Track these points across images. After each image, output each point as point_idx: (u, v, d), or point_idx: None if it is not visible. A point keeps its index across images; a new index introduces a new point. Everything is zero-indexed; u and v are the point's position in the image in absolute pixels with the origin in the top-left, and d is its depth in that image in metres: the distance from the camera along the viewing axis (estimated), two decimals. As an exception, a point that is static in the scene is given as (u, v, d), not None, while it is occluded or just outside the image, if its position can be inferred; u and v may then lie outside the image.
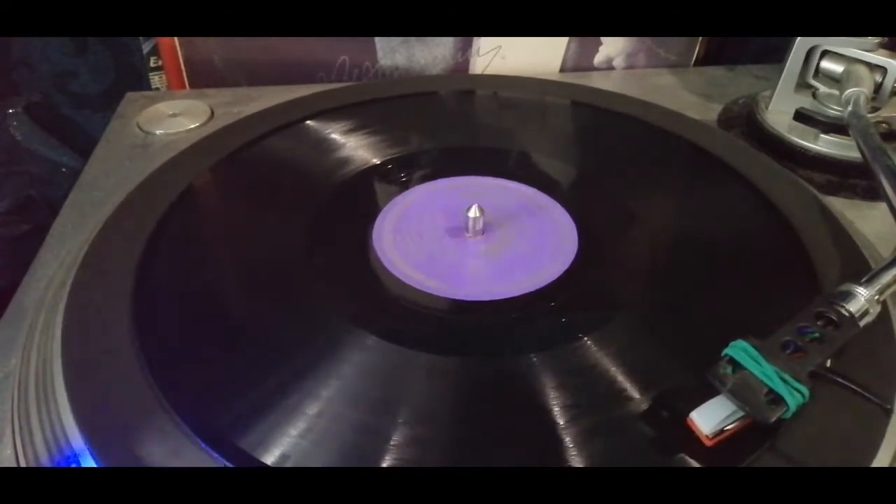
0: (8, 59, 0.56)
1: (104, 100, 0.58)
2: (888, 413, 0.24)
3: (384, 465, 0.25)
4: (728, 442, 0.25)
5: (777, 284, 0.33)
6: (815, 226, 0.35)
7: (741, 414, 0.24)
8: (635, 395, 0.27)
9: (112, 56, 0.57)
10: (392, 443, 0.25)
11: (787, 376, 0.24)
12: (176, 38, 0.52)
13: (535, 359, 0.29)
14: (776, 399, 0.24)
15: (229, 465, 0.24)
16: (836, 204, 0.39)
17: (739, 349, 0.25)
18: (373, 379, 0.28)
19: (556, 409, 0.27)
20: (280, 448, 0.25)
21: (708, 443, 0.24)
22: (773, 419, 0.24)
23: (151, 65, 0.55)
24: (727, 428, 0.24)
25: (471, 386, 0.28)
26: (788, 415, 0.24)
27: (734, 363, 0.25)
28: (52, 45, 0.56)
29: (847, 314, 0.26)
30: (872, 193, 0.40)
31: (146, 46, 0.55)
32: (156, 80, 0.56)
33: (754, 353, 0.25)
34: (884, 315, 0.30)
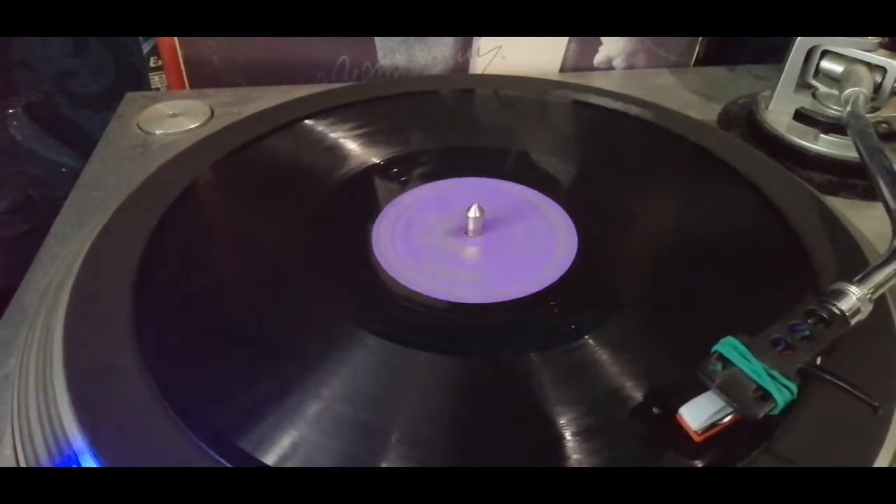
0: (8, 59, 0.56)
1: (104, 100, 0.58)
2: (876, 410, 0.24)
3: (384, 465, 0.25)
4: (727, 441, 0.25)
5: (777, 284, 0.33)
6: (814, 226, 0.35)
7: (730, 410, 0.24)
8: (635, 394, 0.27)
9: (112, 56, 0.57)
10: (392, 443, 0.25)
11: (775, 373, 0.24)
12: (176, 38, 0.52)
13: (534, 359, 0.29)
14: (764, 395, 0.24)
15: (229, 465, 0.24)
16: (836, 204, 0.39)
17: (729, 346, 0.25)
18: (373, 379, 0.28)
19: (556, 409, 0.27)
20: (280, 448, 0.25)
21: (697, 438, 0.25)
22: (761, 415, 0.24)
23: (151, 65, 0.55)
24: (717, 423, 0.24)
25: (471, 386, 0.28)
26: (776, 411, 0.24)
27: (724, 359, 0.25)
28: (52, 45, 0.56)
29: (838, 312, 0.26)
30: (872, 193, 0.40)
31: (146, 46, 0.55)
32: (156, 80, 0.56)
33: (743, 349, 0.25)
34: (883, 314, 0.30)
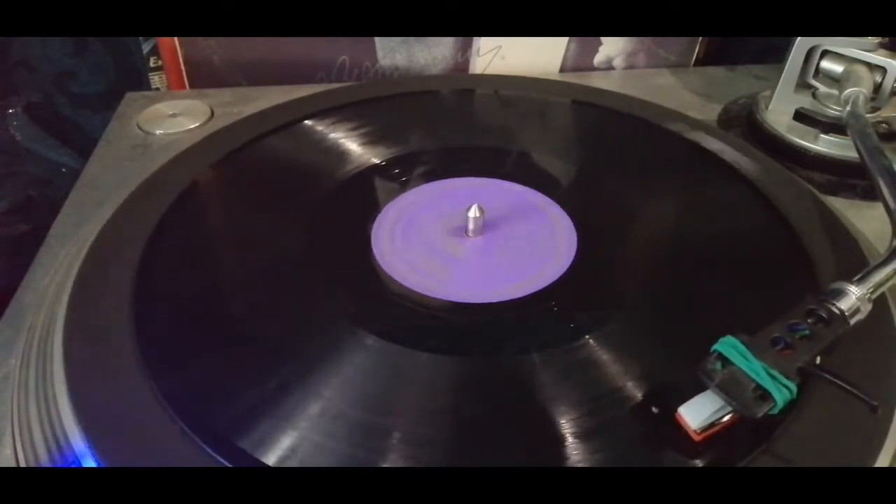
0: (8, 59, 0.56)
1: (104, 100, 0.58)
2: (874, 410, 0.24)
3: (384, 465, 0.25)
4: (726, 441, 0.25)
5: (777, 284, 0.33)
6: (814, 226, 0.35)
7: (729, 409, 0.24)
8: (635, 394, 0.27)
9: (112, 56, 0.57)
10: (392, 442, 0.25)
11: (774, 372, 0.24)
12: (176, 38, 0.52)
13: (534, 359, 0.29)
14: (764, 395, 0.24)
15: (229, 465, 0.24)
16: (836, 204, 0.39)
17: (728, 345, 0.25)
18: (373, 379, 0.28)
19: (556, 409, 0.27)
20: (280, 448, 0.25)
21: (696, 438, 0.25)
22: (761, 414, 0.24)
23: (151, 65, 0.55)
24: (716, 423, 0.25)
25: (471, 386, 0.28)
26: (776, 410, 0.24)
27: (723, 359, 0.25)
28: (52, 45, 0.56)
29: (838, 312, 0.26)
30: (872, 193, 0.40)
31: (146, 46, 0.55)
32: (156, 80, 0.56)
33: (743, 348, 0.25)
34: (883, 313, 0.30)
